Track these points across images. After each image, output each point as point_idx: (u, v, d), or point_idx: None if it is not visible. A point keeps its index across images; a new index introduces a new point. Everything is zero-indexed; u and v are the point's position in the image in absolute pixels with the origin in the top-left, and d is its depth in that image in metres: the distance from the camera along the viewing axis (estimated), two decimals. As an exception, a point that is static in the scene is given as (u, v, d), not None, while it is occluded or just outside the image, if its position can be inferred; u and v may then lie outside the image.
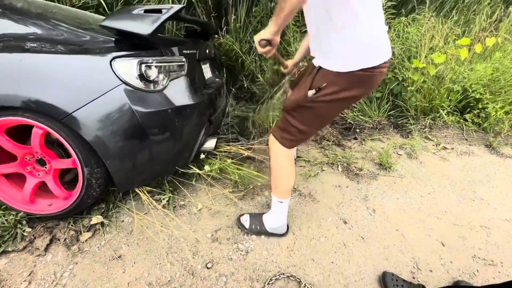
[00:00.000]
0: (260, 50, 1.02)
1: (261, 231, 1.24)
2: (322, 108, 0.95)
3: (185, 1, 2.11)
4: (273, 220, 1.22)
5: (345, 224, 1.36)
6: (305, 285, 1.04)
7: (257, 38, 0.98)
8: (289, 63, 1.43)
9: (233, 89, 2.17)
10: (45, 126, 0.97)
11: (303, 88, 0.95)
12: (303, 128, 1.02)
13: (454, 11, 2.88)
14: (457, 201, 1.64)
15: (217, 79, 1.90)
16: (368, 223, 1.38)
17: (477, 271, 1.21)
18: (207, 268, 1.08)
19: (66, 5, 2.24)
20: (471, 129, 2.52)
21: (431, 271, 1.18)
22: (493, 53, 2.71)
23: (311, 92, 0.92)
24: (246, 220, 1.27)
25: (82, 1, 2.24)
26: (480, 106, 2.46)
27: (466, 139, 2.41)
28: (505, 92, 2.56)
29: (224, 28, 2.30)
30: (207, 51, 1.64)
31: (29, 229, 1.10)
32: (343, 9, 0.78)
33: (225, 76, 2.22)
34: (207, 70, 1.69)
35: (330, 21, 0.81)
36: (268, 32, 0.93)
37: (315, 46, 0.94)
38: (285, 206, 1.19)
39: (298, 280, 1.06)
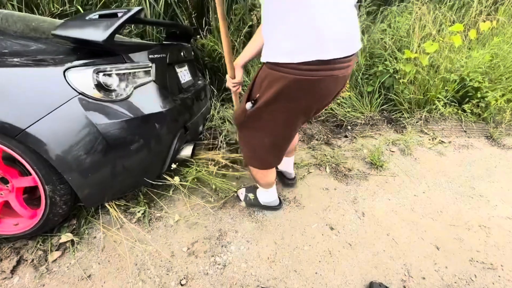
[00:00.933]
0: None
1: (255, 204, 1.34)
2: (265, 121, 0.85)
3: (163, 4, 2.04)
4: (265, 196, 1.31)
5: (331, 230, 1.28)
6: (283, 301, 0.97)
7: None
8: (236, 66, 1.03)
9: (215, 91, 2.10)
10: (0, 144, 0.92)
11: (242, 103, 0.86)
12: (256, 144, 0.96)
13: (448, -4, 2.74)
14: (454, 199, 1.54)
15: (199, 82, 1.83)
16: (357, 228, 1.30)
17: (475, 276, 1.11)
18: (181, 285, 1.02)
19: (45, 14, 2.21)
20: (470, 120, 2.39)
21: (424, 278, 1.09)
22: (491, 38, 2.56)
23: (248, 105, 0.83)
24: (241, 193, 1.38)
25: (61, 9, 2.20)
26: (479, 95, 2.33)
27: (465, 131, 2.29)
28: (506, 79, 2.42)
29: (206, 28, 2.23)
30: (182, 53, 1.57)
31: (-6, 251, 1.06)
32: None
33: (208, 77, 2.15)
34: (184, 74, 1.62)
35: (271, 4, 0.68)
36: None
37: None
38: (272, 190, 1.28)
39: (277, 294, 0.99)
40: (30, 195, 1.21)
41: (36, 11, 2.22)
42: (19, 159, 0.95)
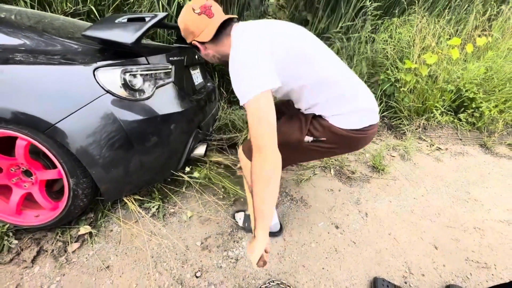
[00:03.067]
0: (260, 265, 0.75)
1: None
2: (312, 152, 1.03)
3: (176, 7, 2.11)
4: None
5: (336, 229, 1.35)
6: (294, 293, 1.03)
7: (255, 256, 0.73)
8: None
9: (225, 93, 2.16)
10: (29, 138, 0.97)
11: (298, 130, 0.98)
12: (288, 157, 1.02)
13: (446, 11, 2.88)
14: (451, 202, 1.63)
15: (208, 84, 1.89)
16: (360, 227, 1.37)
17: (470, 274, 1.19)
18: (196, 277, 1.07)
19: (58, 12, 2.25)
20: (466, 129, 2.51)
21: (423, 275, 1.17)
22: (485, 52, 2.70)
23: (308, 138, 0.97)
24: (240, 219, 1.33)
25: (74, 9, 2.25)
26: (474, 105, 2.46)
27: (461, 139, 2.41)
28: (499, 91, 2.55)
29: (216, 33, 2.29)
30: (196, 56, 1.64)
31: (16, 241, 1.09)
32: (321, 92, 0.88)
33: (217, 80, 2.21)
34: (197, 76, 1.68)
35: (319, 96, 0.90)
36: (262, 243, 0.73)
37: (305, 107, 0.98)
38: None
39: (288, 287, 1.05)
40: (49, 189, 1.25)
41: (48, 9, 2.26)
42: (45, 153, 1.00)
